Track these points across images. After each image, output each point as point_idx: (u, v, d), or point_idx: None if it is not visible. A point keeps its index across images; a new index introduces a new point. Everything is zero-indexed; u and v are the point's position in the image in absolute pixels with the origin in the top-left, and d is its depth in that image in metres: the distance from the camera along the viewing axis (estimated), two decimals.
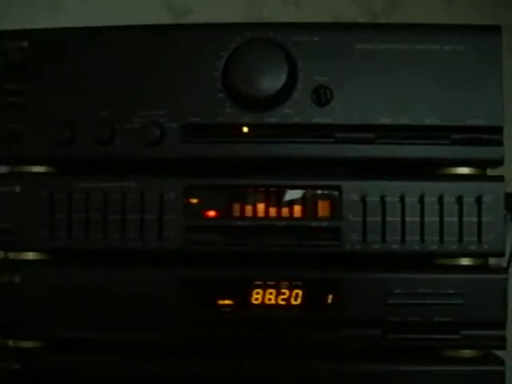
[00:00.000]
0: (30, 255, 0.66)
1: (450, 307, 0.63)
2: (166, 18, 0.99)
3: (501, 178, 0.64)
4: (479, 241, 0.63)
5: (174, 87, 0.65)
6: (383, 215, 0.63)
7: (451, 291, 0.63)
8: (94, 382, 0.64)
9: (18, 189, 0.66)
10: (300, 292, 0.64)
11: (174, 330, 0.64)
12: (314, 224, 0.64)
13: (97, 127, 0.65)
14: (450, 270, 0.64)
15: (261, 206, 0.64)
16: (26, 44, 0.66)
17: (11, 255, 0.67)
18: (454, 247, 0.63)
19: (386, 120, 0.64)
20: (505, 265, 0.69)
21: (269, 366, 0.64)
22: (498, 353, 0.66)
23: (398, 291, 0.63)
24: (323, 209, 0.64)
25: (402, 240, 0.63)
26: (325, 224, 0.64)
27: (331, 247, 0.63)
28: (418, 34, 0.65)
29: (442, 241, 0.63)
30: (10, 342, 0.67)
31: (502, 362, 0.64)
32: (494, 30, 0.65)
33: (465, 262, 0.65)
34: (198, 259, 0.65)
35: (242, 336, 0.64)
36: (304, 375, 0.63)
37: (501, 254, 0.64)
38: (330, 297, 0.63)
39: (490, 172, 0.66)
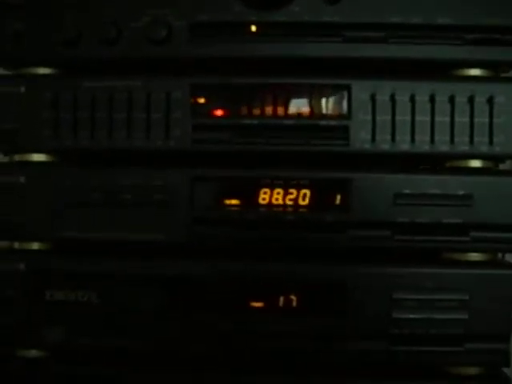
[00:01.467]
0: (35, 157, 0.66)
1: (459, 208, 0.63)
2: None
3: None
4: (490, 142, 0.62)
5: None
6: (393, 114, 0.62)
7: (460, 192, 0.62)
8: (97, 280, 0.64)
9: (22, 89, 0.65)
10: (308, 192, 0.63)
11: (180, 231, 0.63)
12: (323, 123, 0.63)
13: (102, 26, 0.64)
14: (460, 172, 0.63)
15: (269, 105, 0.63)
16: None
17: (16, 157, 0.66)
18: (465, 148, 0.63)
19: (397, 18, 0.63)
20: None
21: (276, 267, 0.63)
22: None
23: (406, 191, 0.62)
24: (332, 107, 0.63)
25: (412, 140, 0.62)
26: (333, 123, 0.63)
27: (339, 146, 0.63)
28: None
29: (452, 141, 0.63)
30: (16, 244, 0.67)
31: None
32: None
33: (475, 164, 0.64)
34: (205, 159, 0.64)
35: (249, 237, 0.63)
36: (311, 275, 0.63)
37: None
38: (338, 197, 0.63)
39: (503, 74, 0.65)
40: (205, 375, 0.64)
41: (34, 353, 0.66)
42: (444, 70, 0.64)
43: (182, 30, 0.63)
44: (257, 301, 0.63)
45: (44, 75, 0.66)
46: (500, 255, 0.70)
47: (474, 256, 0.64)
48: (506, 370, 0.65)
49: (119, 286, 0.64)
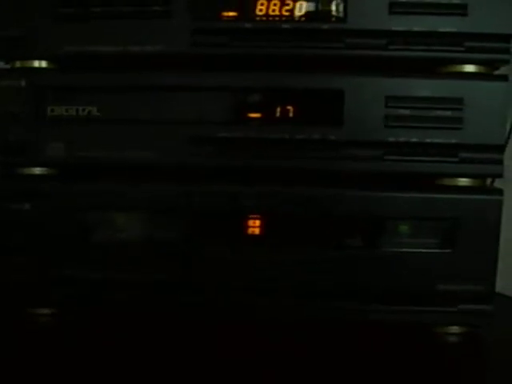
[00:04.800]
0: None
1: (455, 17, 0.63)
2: None
3: None
4: None
5: None
6: None
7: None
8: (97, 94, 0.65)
9: None
10: (304, 3, 0.64)
11: (179, 44, 0.64)
12: None
13: None
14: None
15: None
16: None
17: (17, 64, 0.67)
18: None
19: None
20: None
21: (271, 77, 0.65)
22: None
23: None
24: None
25: None
26: None
27: None
28: None
29: None
30: (18, 63, 0.68)
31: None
32: None
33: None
34: None
35: (248, 47, 0.64)
36: (309, 84, 0.64)
37: None
38: (334, 7, 0.63)
39: None
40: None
41: (36, 170, 0.68)
42: None
43: None
44: (255, 111, 0.65)
45: None
46: None
47: (469, 67, 0.65)
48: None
49: (120, 100, 0.65)
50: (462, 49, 0.63)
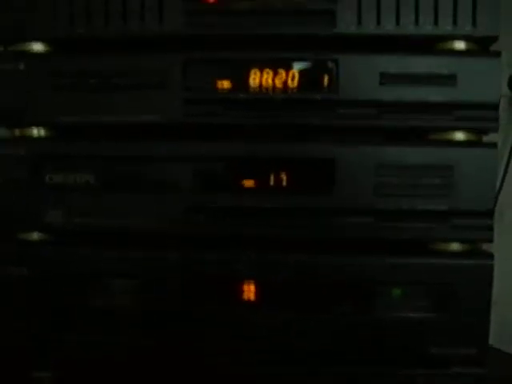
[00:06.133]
0: (34, 46, 0.68)
1: (444, 88, 0.64)
2: None
3: None
4: (474, 23, 0.64)
5: None
6: None
7: (446, 72, 0.64)
8: (94, 162, 0.67)
9: None
10: (296, 73, 0.65)
11: (174, 112, 0.65)
12: (310, 6, 0.65)
13: None
14: (446, 53, 0.65)
15: None
16: None
17: (17, 132, 0.69)
18: (449, 29, 0.65)
19: None
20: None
21: (265, 147, 0.66)
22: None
23: (392, 71, 0.64)
24: None
25: (397, 22, 0.64)
26: (319, 5, 0.65)
27: (326, 29, 0.65)
28: None
29: (436, 23, 0.64)
30: (17, 131, 0.69)
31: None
32: None
33: (459, 45, 0.65)
34: (198, 43, 0.66)
35: (241, 117, 0.66)
36: (300, 153, 0.66)
37: (495, 39, 0.65)
38: (326, 78, 0.65)
39: None
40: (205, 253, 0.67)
41: (35, 236, 0.69)
42: None
43: None
44: (249, 179, 0.66)
45: None
46: None
47: (459, 135, 0.66)
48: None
49: (117, 168, 0.67)
50: (452, 118, 0.65)
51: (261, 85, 0.65)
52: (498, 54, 0.64)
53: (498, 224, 0.67)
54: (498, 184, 0.68)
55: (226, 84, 0.65)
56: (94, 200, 0.67)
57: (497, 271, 0.65)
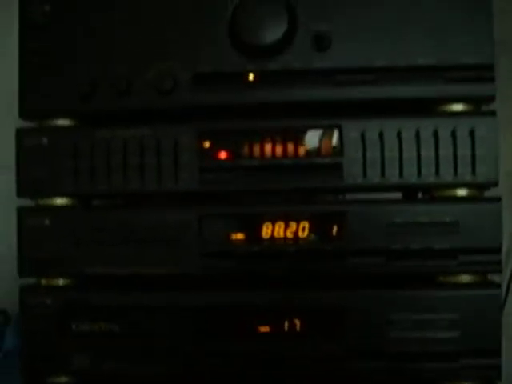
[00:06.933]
0: (58, 201, 0.72)
1: (447, 235, 0.68)
2: None
3: (493, 113, 0.68)
4: (473, 172, 0.68)
5: (185, 39, 0.70)
6: (382, 150, 0.68)
7: (448, 219, 0.68)
8: (118, 312, 0.70)
9: (45, 141, 0.72)
10: (306, 224, 0.69)
11: (191, 264, 0.69)
12: (318, 161, 0.69)
13: (115, 80, 0.71)
14: (447, 200, 0.69)
15: (268, 147, 0.69)
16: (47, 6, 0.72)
17: (41, 201, 0.73)
18: (450, 179, 0.68)
19: (383, 62, 0.68)
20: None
21: (279, 295, 0.69)
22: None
23: (397, 220, 0.68)
24: (326, 147, 0.69)
25: (400, 174, 0.68)
26: (327, 161, 0.69)
27: (334, 182, 0.68)
28: None
29: (437, 173, 0.68)
30: (43, 281, 0.73)
31: (498, 285, 0.69)
32: None
33: (461, 192, 0.69)
34: (212, 198, 0.70)
35: (254, 268, 0.69)
36: (312, 302, 0.69)
37: (495, 184, 0.68)
38: (335, 228, 0.68)
39: (484, 107, 0.70)
40: None
41: (63, 379, 0.72)
42: (428, 107, 0.69)
43: (186, 80, 0.70)
44: (264, 325, 0.69)
45: (63, 127, 0.72)
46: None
47: (464, 278, 0.69)
48: None
49: (138, 317, 0.70)
50: (456, 262, 0.68)
51: (273, 236, 0.69)
52: (498, 200, 0.68)
53: None
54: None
55: (239, 236, 0.69)
56: (118, 345, 0.71)
57: None
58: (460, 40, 0.68)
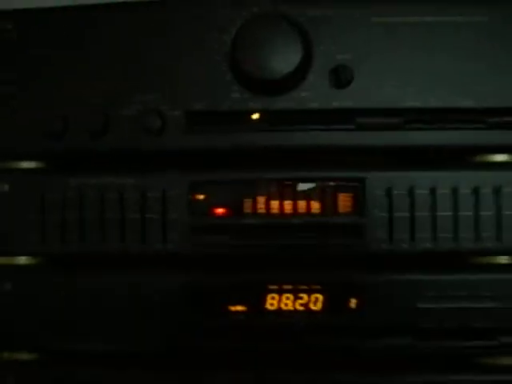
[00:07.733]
0: (22, 260, 0.61)
1: (486, 311, 0.57)
2: None
3: None
4: None
5: (174, 69, 0.58)
6: (412, 210, 0.57)
7: (488, 294, 0.57)
8: None
9: (6, 188, 0.60)
10: (320, 296, 0.58)
11: (180, 342, 0.58)
12: (335, 221, 0.57)
13: (88, 115, 0.59)
14: (487, 270, 0.58)
15: (274, 202, 0.58)
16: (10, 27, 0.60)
17: (1, 260, 0.61)
18: (491, 245, 0.57)
19: (413, 103, 0.57)
20: None
21: (288, 378, 0.59)
22: None
23: (429, 294, 0.57)
24: (344, 203, 0.58)
25: (434, 238, 0.57)
26: (346, 220, 0.57)
27: (354, 247, 0.57)
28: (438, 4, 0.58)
29: (478, 238, 0.57)
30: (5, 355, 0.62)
31: None
32: None
33: (503, 260, 0.59)
34: (206, 263, 0.59)
35: (257, 346, 0.58)
36: None
37: None
38: (354, 302, 0.57)
39: None
40: None
41: None
42: (467, 157, 0.58)
43: (177, 119, 0.58)
44: None
45: (28, 170, 0.60)
46: None
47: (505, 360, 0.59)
48: None
49: None
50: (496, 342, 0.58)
51: (279, 309, 0.58)
52: None
53: None
54: None
55: (240, 308, 0.58)
56: None
57: None
58: (505, 79, 0.57)
